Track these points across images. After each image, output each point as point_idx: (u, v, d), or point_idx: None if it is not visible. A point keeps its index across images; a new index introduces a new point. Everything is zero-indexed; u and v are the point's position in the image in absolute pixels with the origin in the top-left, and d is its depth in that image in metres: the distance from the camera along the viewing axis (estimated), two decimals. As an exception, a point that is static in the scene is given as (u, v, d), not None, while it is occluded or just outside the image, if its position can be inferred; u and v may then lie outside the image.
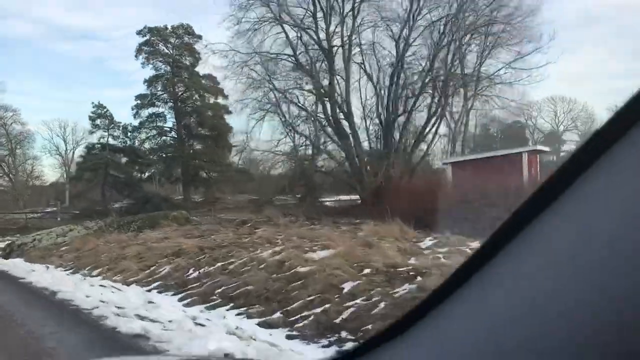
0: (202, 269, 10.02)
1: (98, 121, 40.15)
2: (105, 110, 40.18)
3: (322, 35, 19.22)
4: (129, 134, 41.03)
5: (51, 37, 74.90)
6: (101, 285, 9.71)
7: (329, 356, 1.25)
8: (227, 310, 7.71)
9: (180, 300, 8.63)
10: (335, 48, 19.47)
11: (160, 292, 9.37)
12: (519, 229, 0.69)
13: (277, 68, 20.47)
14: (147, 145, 41.86)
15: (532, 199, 0.68)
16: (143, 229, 19.08)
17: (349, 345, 5.20)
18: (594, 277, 0.60)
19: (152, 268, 11.11)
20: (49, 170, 69.51)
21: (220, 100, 43.79)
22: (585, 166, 0.62)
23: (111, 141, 40.69)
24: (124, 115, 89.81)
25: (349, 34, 19.16)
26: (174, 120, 43.16)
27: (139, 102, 42.45)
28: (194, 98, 43.03)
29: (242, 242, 12.42)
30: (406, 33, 19.49)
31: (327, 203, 22.79)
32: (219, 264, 10.03)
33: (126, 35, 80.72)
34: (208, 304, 8.15)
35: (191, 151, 42.73)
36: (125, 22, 75.80)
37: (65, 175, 67.59)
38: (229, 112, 44.04)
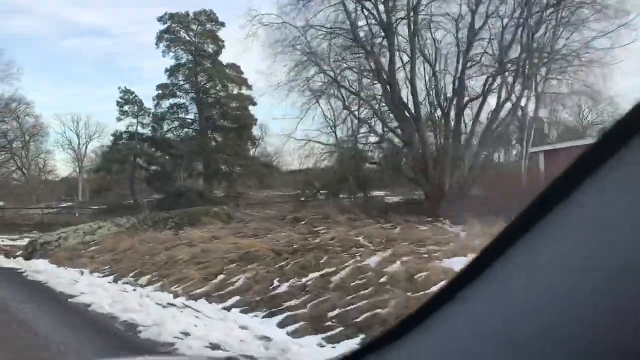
0: (292, 281, 7.78)
1: (126, 107, 37.57)
2: (133, 95, 37.64)
3: (382, 8, 16.95)
4: (159, 122, 38.72)
5: (60, 33, 72.87)
6: (170, 304, 7.45)
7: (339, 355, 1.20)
8: (359, 345, 5.45)
9: (280, 325, 6.40)
10: (398, 21, 17.19)
11: (244, 312, 7.13)
12: (533, 221, 0.69)
13: (332, 45, 18.14)
14: (169, 137, 39.63)
15: (548, 192, 0.68)
16: (182, 227, 16.90)
17: None
18: (609, 273, 0.60)
19: (219, 277, 8.87)
20: (61, 165, 67.75)
21: (244, 90, 41.68)
22: (603, 159, 0.62)
23: (140, 130, 38.12)
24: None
25: (414, 4, 16.83)
26: (196, 111, 40.96)
27: (160, 92, 40.29)
28: (217, 88, 40.78)
29: (321, 245, 10.16)
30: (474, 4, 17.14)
31: (379, 199, 20.60)
32: (315, 275, 7.78)
33: (139, 32, 78.88)
34: (324, 334, 5.91)
35: (213, 144, 40.50)
36: (138, 18, 74.12)
37: (77, 170, 66.14)
38: (254, 104, 42.00)
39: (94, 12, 70.94)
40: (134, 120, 37.27)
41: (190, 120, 41.10)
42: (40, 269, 12.07)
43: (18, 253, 18.62)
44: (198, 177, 42.55)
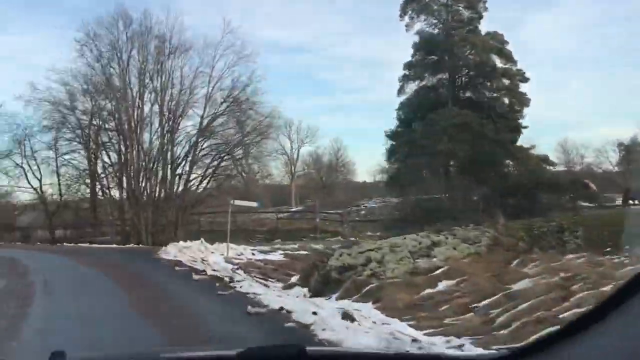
0: None
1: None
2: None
3: None
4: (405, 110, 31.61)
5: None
6: None
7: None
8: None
9: None
10: None
11: None
12: None
13: None
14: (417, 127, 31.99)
15: None
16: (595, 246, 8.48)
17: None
18: None
19: None
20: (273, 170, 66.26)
21: (509, 65, 32.36)
22: None
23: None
24: (334, 124, 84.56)
25: None
26: (451, 93, 32.74)
27: (406, 72, 33.03)
28: (476, 64, 32.06)
29: None
30: None
31: None
32: None
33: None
34: None
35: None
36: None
37: (290, 175, 63.81)
38: (525, 80, 32.37)
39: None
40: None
41: (442, 105, 32.95)
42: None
43: (291, 280, 12.26)
44: (449, 176, 34.12)
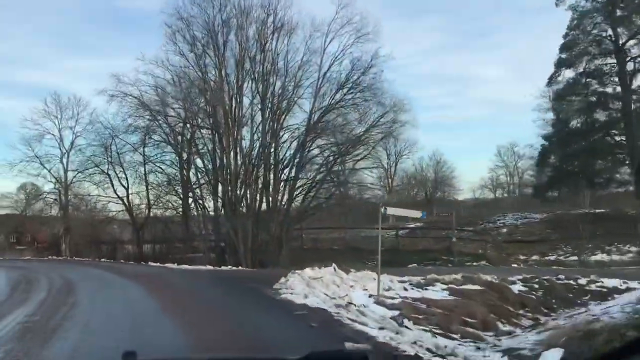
0: None
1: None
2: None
3: None
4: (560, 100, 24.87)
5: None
6: None
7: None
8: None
9: None
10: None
11: None
12: None
13: None
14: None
15: None
16: None
17: None
18: None
19: None
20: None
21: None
22: None
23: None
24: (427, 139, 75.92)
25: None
26: (619, 79, 25.45)
27: (561, 56, 26.17)
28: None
29: None
30: None
31: None
32: None
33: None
34: None
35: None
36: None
37: (387, 190, 57.78)
38: None
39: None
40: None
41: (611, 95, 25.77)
42: None
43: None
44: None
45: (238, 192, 22.71)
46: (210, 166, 24.54)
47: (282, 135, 23.17)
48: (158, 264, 21.93)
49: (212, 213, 25.32)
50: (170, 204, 27.97)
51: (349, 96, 21.67)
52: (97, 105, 46.91)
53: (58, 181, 36.82)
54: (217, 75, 23.51)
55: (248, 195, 22.65)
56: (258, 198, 22.86)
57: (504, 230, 27.71)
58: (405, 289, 11.83)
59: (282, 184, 22.77)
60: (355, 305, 8.98)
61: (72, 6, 62.22)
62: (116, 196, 30.00)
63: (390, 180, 58.53)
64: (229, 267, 18.90)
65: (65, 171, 36.30)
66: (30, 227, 44.82)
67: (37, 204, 42.35)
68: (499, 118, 74.36)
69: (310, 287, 9.68)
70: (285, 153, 23.21)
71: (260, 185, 22.97)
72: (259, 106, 22.94)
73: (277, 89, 22.71)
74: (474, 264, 22.99)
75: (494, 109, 76.11)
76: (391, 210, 10.01)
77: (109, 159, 29.24)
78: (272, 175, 23.04)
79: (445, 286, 12.69)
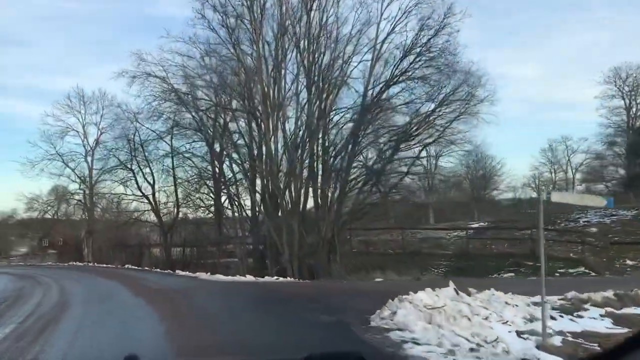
0: None
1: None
2: None
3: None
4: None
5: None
6: None
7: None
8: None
9: None
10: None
11: None
12: None
13: None
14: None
15: None
16: None
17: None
18: None
19: None
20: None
21: None
22: None
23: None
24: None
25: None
26: None
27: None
28: None
29: None
30: None
31: None
32: None
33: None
34: None
35: None
36: None
37: (428, 186, 53.44)
38: None
39: None
40: None
41: None
42: None
43: None
44: None
45: (280, 186, 18.97)
46: (246, 156, 20.90)
47: (332, 118, 19.33)
48: (188, 272, 18.36)
49: (249, 212, 21.70)
50: (201, 202, 24.48)
51: (416, 64, 17.62)
52: (117, 93, 44.00)
53: (82, 181, 33.98)
54: (253, 49, 19.86)
55: (292, 190, 18.88)
56: (303, 193, 19.07)
57: (593, 230, 23.28)
58: (553, 318, 7.78)
59: (332, 175, 18.90)
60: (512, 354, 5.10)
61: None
62: (141, 194, 26.72)
63: (429, 180, 54.20)
64: (275, 277, 15.11)
65: (90, 169, 33.45)
66: (60, 231, 42.28)
67: (64, 206, 39.77)
68: (535, 115, 68.66)
69: (434, 324, 5.78)
70: (336, 138, 19.36)
71: (304, 178, 19.17)
72: (304, 83, 19.17)
73: (325, 61, 18.90)
74: (570, 270, 18.70)
75: (526, 107, 70.48)
76: (556, 197, 6.04)
77: (132, 152, 25.95)
78: (320, 166, 19.23)
79: (601, 310, 8.58)
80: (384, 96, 18.33)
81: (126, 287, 12.57)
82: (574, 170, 51.67)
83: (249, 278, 14.87)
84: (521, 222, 27.66)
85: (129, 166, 26.68)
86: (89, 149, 33.24)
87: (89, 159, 33.22)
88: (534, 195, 51.41)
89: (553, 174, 53.76)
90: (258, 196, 20.56)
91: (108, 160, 28.01)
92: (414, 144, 18.77)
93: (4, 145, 63.04)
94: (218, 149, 22.55)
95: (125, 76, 20.63)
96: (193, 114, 21.52)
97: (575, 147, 47.67)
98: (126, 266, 25.50)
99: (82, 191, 34.75)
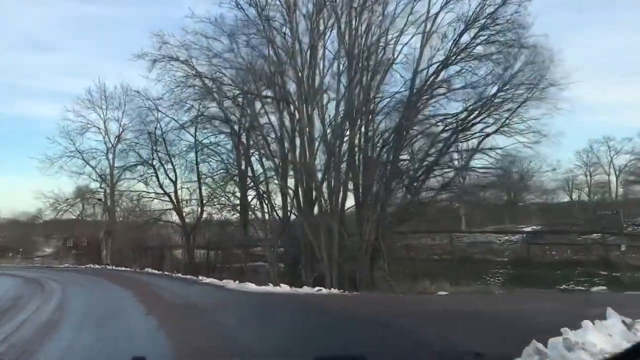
0: None
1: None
2: None
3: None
4: None
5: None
6: None
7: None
8: None
9: None
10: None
11: None
12: None
13: None
14: None
15: None
16: None
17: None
18: None
19: None
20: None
21: None
22: None
23: None
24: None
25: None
26: None
27: None
28: None
29: None
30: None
31: None
32: None
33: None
34: None
35: None
36: None
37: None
38: None
39: None
40: None
41: None
42: None
43: None
44: None
45: (317, 181, 16.66)
46: (277, 150, 18.63)
47: (377, 104, 16.93)
48: (213, 279, 16.19)
49: (279, 212, 19.42)
50: (226, 201, 22.31)
51: (478, 40, 15.06)
52: (137, 82, 41.62)
53: (103, 180, 32.28)
54: (286, 27, 17.61)
55: (332, 186, 16.54)
56: (342, 190, 16.70)
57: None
58: None
59: (376, 170, 16.48)
60: None
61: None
62: (162, 192, 24.73)
63: (461, 179, 51.27)
64: (315, 289, 12.75)
65: (111, 167, 31.72)
66: (84, 232, 40.78)
67: (87, 206, 38.17)
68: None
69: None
70: (380, 127, 16.95)
71: (342, 173, 16.81)
72: (345, 65, 16.80)
73: (369, 40, 16.52)
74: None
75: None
76: None
77: (154, 146, 23.96)
78: (362, 159, 16.83)
79: None
80: (438, 78, 15.85)
81: (139, 299, 10.40)
82: (617, 172, 47.99)
83: (284, 288, 12.56)
84: (579, 227, 24.85)
85: (149, 162, 24.75)
86: (110, 146, 31.62)
87: (110, 156, 31.59)
88: (567, 198, 47.79)
89: (589, 177, 49.89)
90: (290, 193, 18.28)
91: (128, 154, 26.17)
92: (472, 135, 16.22)
93: (26, 145, 62.35)
94: (245, 142, 20.33)
95: (145, 59, 18.57)
96: (218, 102, 19.32)
97: (619, 147, 44.23)
98: (146, 270, 23.53)
99: (102, 190, 33.13)
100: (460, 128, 15.90)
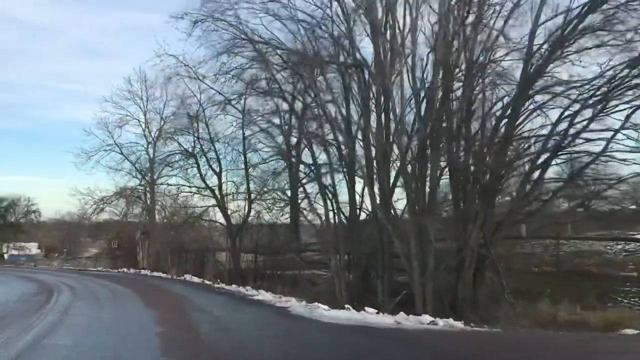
0: None
1: None
2: None
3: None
4: None
5: None
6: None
7: None
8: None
9: None
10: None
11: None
12: None
13: None
14: None
15: None
16: None
17: None
18: None
19: None
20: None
21: None
22: None
23: None
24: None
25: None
26: None
27: None
28: None
29: None
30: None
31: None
32: None
33: None
34: None
35: None
36: None
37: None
38: None
39: None
40: None
41: None
42: None
43: None
44: None
45: (406, 168, 12.64)
46: (344, 132, 14.72)
47: (486, 62, 12.73)
48: (266, 294, 12.45)
49: (347, 211, 15.50)
50: (278, 195, 18.60)
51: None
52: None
53: (143, 176, 29.31)
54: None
55: (416, 174, 12.49)
56: (436, 178, 12.62)
57: None
58: None
59: (484, 151, 12.32)
60: None
61: None
62: (204, 185, 21.30)
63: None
64: (428, 320, 8.70)
65: (151, 162, 28.69)
66: (126, 232, 38.18)
67: (123, 203, 35.35)
68: None
69: None
70: (489, 96, 12.77)
71: (440, 156, 12.70)
72: (446, 4, 12.69)
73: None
74: None
75: None
76: None
77: (194, 132, 20.54)
78: (462, 137, 12.71)
79: None
80: (576, 30, 11.54)
81: (164, 329, 6.72)
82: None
83: (385, 319, 8.64)
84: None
85: (191, 150, 21.39)
86: (151, 140, 28.70)
87: (151, 151, 28.65)
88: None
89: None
90: (359, 186, 14.42)
91: (166, 143, 23.01)
92: (613, 109, 11.80)
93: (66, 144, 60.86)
94: (304, 121, 16.55)
95: (185, 18, 15.09)
96: (273, 72, 15.62)
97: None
98: (185, 277, 20.13)
99: (142, 188, 30.21)
100: (602, 100, 11.52)
